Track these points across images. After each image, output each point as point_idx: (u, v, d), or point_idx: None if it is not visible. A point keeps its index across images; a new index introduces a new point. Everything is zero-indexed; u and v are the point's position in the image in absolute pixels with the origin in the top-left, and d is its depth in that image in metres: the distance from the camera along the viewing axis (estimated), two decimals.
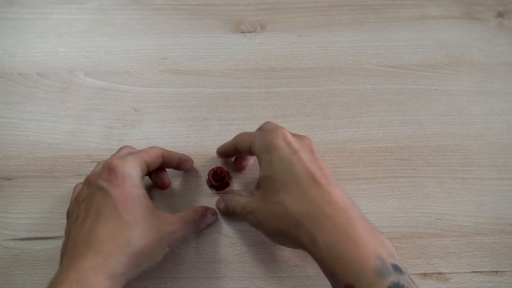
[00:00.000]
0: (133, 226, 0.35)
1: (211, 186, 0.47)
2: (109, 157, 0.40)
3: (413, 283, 0.31)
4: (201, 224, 0.43)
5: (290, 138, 0.38)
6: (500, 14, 0.59)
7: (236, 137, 0.44)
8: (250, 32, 0.58)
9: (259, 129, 0.42)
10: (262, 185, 0.37)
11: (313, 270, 0.44)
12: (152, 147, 0.43)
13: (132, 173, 0.38)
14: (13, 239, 0.45)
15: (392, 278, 0.30)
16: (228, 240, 0.45)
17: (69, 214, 0.40)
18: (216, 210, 0.46)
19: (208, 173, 0.47)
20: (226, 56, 0.56)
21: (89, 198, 0.37)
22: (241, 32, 0.58)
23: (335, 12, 0.60)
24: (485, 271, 0.44)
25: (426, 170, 0.49)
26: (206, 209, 0.44)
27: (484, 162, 0.49)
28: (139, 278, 0.39)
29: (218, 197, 0.47)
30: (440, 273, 0.43)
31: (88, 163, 0.49)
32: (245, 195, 0.43)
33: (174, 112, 0.52)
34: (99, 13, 0.59)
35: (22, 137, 0.50)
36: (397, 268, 0.31)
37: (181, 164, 0.45)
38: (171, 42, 0.57)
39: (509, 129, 0.51)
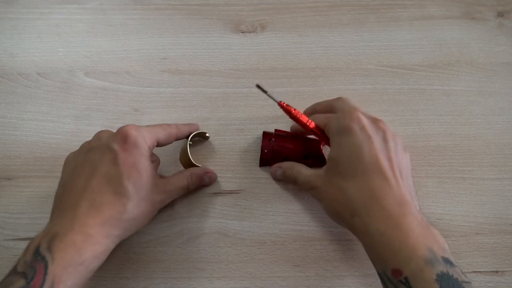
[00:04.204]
0: (131, 195, 0.37)
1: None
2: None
3: (465, 276, 0.32)
4: (193, 187, 0.45)
5: (365, 122, 0.38)
6: (500, 14, 0.59)
7: (313, 109, 0.45)
8: (250, 32, 0.58)
9: (333, 106, 0.43)
10: (329, 165, 0.39)
11: (313, 270, 0.44)
12: (169, 126, 0.44)
13: (143, 144, 0.39)
14: (13, 239, 0.45)
15: (442, 268, 0.31)
16: (228, 240, 0.45)
17: (69, 162, 0.41)
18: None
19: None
20: (226, 56, 0.56)
21: (97, 153, 0.39)
22: (241, 32, 0.58)
23: (335, 12, 0.60)
24: (485, 271, 0.44)
25: (426, 170, 0.49)
26: (205, 172, 0.46)
27: (484, 162, 0.49)
28: (142, 277, 0.39)
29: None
30: None
31: None
32: (306, 167, 0.44)
33: (174, 112, 0.52)
34: (99, 13, 0.59)
35: (22, 137, 0.50)
36: (447, 261, 0.31)
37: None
38: (171, 42, 0.57)
39: (509, 129, 0.51)
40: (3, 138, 0.50)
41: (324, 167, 0.40)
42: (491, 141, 0.51)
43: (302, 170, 0.43)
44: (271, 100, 0.42)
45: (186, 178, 0.44)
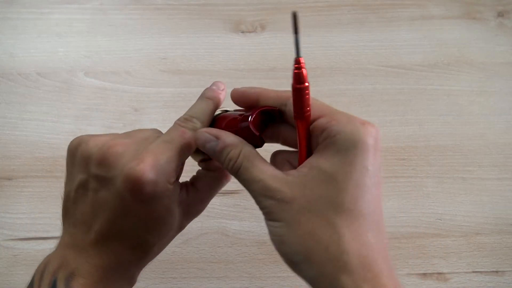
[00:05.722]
0: (153, 246, 0.31)
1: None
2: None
3: None
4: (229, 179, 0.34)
5: (379, 143, 0.26)
6: (500, 14, 0.59)
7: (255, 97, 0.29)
8: (250, 32, 0.58)
9: (287, 100, 0.28)
10: (318, 180, 0.25)
11: None
12: (195, 134, 0.29)
13: (165, 188, 0.28)
14: (13, 239, 0.45)
15: None
16: (228, 240, 0.45)
17: (71, 162, 0.33)
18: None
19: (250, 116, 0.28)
20: (226, 56, 0.56)
21: (105, 192, 0.28)
22: (241, 32, 0.58)
23: (335, 12, 0.60)
24: (485, 271, 0.44)
25: (426, 170, 0.49)
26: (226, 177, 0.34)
27: (484, 162, 0.49)
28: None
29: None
30: (440, 273, 0.43)
31: None
32: (265, 161, 0.28)
33: (174, 112, 0.52)
34: (99, 13, 0.59)
35: (22, 137, 0.50)
36: None
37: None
38: (171, 42, 0.57)
39: (509, 129, 0.51)
40: (3, 138, 0.50)
41: (303, 175, 0.26)
42: (491, 141, 0.50)
43: (255, 161, 0.27)
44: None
45: (225, 176, 0.34)
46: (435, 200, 0.47)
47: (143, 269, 0.43)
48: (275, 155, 0.30)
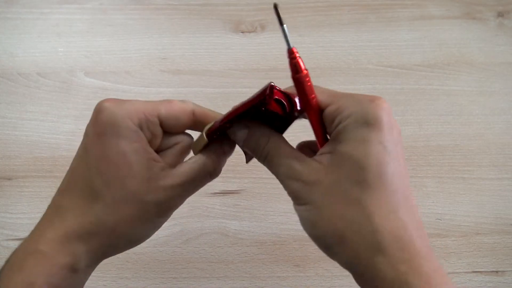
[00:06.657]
0: (101, 195, 0.27)
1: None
2: None
3: None
4: (218, 173, 0.31)
5: (392, 118, 0.27)
6: (500, 14, 0.59)
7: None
8: (250, 32, 0.58)
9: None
10: (338, 163, 0.25)
11: (313, 270, 0.44)
12: (182, 100, 0.30)
13: (123, 120, 0.27)
14: (13, 239, 0.45)
15: None
16: (228, 240, 0.45)
17: None
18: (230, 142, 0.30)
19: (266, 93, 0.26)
20: (226, 56, 0.56)
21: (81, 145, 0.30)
22: (241, 32, 0.58)
23: (335, 12, 0.60)
24: (485, 271, 0.44)
25: (426, 170, 0.49)
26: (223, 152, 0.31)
27: (484, 162, 0.49)
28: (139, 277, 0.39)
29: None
30: None
31: None
32: (292, 147, 0.28)
33: None
34: (99, 13, 0.59)
35: (22, 137, 0.50)
36: None
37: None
38: (171, 42, 0.57)
39: (509, 129, 0.51)
40: (3, 138, 0.50)
41: (324, 159, 0.26)
42: (491, 141, 0.51)
43: (282, 147, 0.27)
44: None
45: (211, 160, 0.30)
46: (435, 200, 0.47)
47: (143, 269, 0.43)
48: (300, 147, 0.31)
